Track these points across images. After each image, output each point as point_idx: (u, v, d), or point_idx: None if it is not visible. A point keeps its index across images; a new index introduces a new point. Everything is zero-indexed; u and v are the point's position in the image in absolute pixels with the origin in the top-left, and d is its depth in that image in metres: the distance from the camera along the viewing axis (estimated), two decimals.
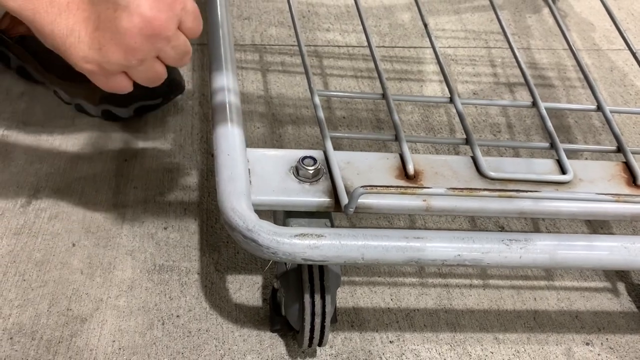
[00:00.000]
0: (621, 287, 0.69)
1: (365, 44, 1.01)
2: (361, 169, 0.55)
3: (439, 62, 0.65)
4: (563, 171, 0.57)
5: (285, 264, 0.55)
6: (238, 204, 0.47)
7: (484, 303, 0.66)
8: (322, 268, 0.53)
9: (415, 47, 1.01)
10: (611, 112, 0.64)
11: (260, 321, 0.62)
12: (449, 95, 0.64)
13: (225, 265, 0.66)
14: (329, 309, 0.53)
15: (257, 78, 0.92)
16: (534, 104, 0.65)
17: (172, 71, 0.81)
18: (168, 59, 0.50)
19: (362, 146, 0.78)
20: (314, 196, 0.52)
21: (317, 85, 0.88)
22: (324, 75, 0.93)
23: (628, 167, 0.59)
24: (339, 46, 1.00)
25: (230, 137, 0.53)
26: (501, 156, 0.72)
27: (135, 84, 0.79)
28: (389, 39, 1.02)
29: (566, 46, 1.06)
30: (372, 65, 0.97)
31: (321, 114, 0.59)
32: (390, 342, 0.62)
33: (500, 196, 0.50)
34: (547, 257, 0.47)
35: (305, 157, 0.54)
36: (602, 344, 0.64)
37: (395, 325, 0.63)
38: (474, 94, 0.91)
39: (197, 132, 0.81)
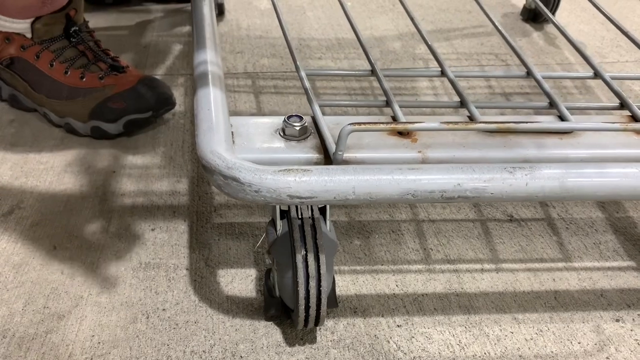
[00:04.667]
0: None
1: (358, 68, 1.02)
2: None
3: (423, 39, 0.64)
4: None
5: (276, 230, 0.51)
6: (217, 146, 0.44)
7: (498, 285, 0.60)
8: (314, 227, 0.49)
9: (407, 68, 1.01)
10: (611, 78, 0.62)
11: (255, 311, 0.56)
12: (440, 69, 0.62)
13: (217, 261, 0.62)
14: (323, 272, 0.48)
15: (250, 99, 0.91)
16: (529, 73, 0.63)
17: (161, 85, 0.81)
18: None
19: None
20: (301, 152, 0.49)
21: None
22: (317, 94, 0.93)
23: (635, 120, 0.56)
24: (331, 70, 1.00)
25: (211, 96, 0.50)
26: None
27: (123, 98, 0.79)
28: (381, 63, 1.02)
29: (560, 61, 1.07)
30: (365, 84, 0.96)
31: (307, 84, 0.57)
32: (398, 326, 0.56)
33: (499, 129, 0.47)
34: (556, 184, 0.43)
35: (291, 116, 0.51)
36: (633, 320, 0.57)
37: (402, 309, 0.57)
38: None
39: (188, 145, 0.79)
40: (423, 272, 0.62)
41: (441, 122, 0.46)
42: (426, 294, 0.59)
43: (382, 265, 0.62)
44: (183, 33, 1.10)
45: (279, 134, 0.51)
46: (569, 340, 0.55)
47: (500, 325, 0.56)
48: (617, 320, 0.57)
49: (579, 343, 0.55)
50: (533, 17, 1.19)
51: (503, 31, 0.69)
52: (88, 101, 0.77)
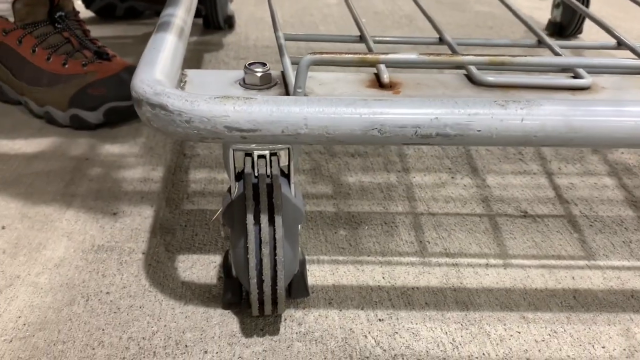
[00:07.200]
0: None
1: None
2: (325, 80, 0.45)
3: (419, 6, 0.57)
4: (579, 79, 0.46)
5: (231, 195, 0.43)
6: (150, 75, 0.37)
7: (505, 282, 0.51)
8: (270, 186, 0.41)
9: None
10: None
11: (212, 298, 0.48)
12: (438, 36, 0.55)
13: (179, 246, 0.54)
14: (279, 237, 0.40)
15: None
16: (540, 42, 0.56)
17: None
18: None
19: None
20: None
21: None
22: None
23: None
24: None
25: (166, 40, 0.44)
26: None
27: (105, 84, 0.74)
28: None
29: None
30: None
31: (283, 42, 0.50)
32: (380, 320, 0.46)
33: (491, 62, 0.39)
34: (560, 121, 0.35)
35: (252, 63, 0.44)
36: None
37: (387, 303, 0.48)
38: None
39: None
40: (416, 265, 0.52)
41: (420, 54, 0.38)
42: (417, 288, 0.50)
43: (369, 256, 0.53)
44: (191, 42, 1.06)
45: (239, 84, 0.44)
46: (590, 343, 0.45)
47: (504, 324, 0.46)
48: None
49: (602, 347, 0.44)
50: (559, 30, 1.12)
51: (516, 9, 0.61)
52: (68, 88, 0.73)
